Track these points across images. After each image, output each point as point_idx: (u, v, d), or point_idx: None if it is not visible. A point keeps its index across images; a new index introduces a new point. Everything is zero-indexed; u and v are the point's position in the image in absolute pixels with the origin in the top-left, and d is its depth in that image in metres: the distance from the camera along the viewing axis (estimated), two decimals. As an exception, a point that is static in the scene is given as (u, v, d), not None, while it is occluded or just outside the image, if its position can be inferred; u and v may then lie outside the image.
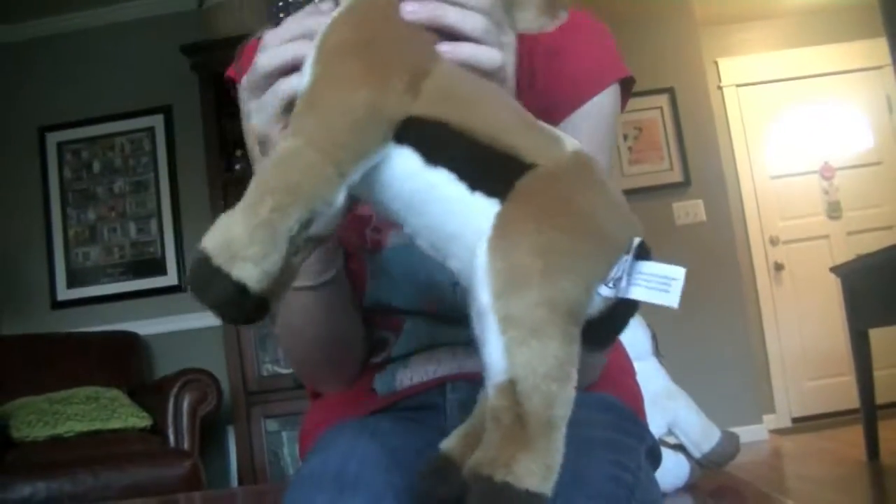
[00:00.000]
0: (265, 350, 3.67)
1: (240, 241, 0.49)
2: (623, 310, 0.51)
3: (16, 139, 4.25)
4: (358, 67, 0.51)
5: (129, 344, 3.86)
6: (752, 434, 4.09)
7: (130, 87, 4.23)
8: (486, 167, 0.50)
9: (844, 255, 4.62)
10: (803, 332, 4.99)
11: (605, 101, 0.84)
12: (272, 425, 3.66)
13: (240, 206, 0.50)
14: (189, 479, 3.04)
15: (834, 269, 3.71)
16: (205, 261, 0.49)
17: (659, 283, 0.49)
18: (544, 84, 0.83)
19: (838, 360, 4.81)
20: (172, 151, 4.22)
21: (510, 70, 0.61)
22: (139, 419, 3.30)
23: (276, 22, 0.65)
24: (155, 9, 4.30)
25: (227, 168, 3.77)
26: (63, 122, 4.23)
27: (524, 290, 0.47)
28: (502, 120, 0.52)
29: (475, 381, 0.84)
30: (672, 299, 0.48)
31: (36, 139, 4.25)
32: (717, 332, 4.24)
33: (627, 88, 0.88)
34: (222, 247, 0.49)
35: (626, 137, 4.42)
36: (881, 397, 3.52)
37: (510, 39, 0.62)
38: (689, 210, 4.35)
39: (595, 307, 0.50)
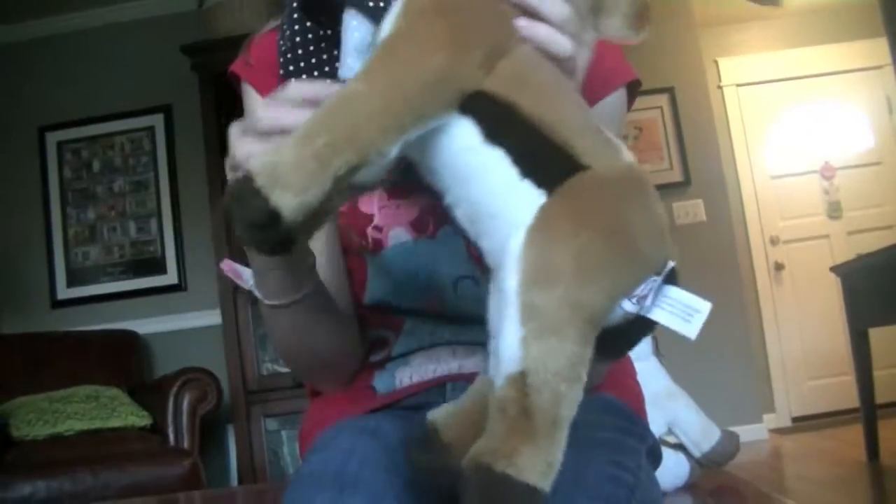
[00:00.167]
0: (265, 349, 3.67)
1: (285, 167, 0.49)
2: (640, 327, 0.51)
3: (16, 138, 4.25)
4: (441, 31, 0.52)
5: (129, 343, 3.86)
6: (752, 433, 4.09)
7: (130, 87, 4.23)
8: (542, 158, 0.51)
9: (845, 254, 4.62)
10: (803, 331, 4.99)
11: (612, 103, 0.85)
12: (272, 424, 3.66)
13: (294, 136, 0.50)
14: (189, 478, 3.04)
15: (834, 269, 3.71)
16: (247, 179, 0.49)
17: (682, 311, 0.49)
18: None
19: (838, 360, 4.81)
20: (172, 151, 4.22)
21: (581, 67, 0.62)
22: (139, 418, 3.30)
23: (287, 75, 0.67)
24: (155, 9, 4.30)
25: (227, 167, 3.76)
26: (63, 121, 4.23)
27: (552, 286, 0.48)
28: (568, 117, 0.53)
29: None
30: (691, 330, 0.49)
31: (36, 138, 4.25)
32: (718, 331, 4.24)
33: (633, 91, 0.88)
34: (268, 169, 0.49)
35: (626, 137, 4.41)
36: (881, 397, 3.52)
37: (590, 38, 0.62)
38: (689, 210, 4.35)
39: (614, 319, 0.50)
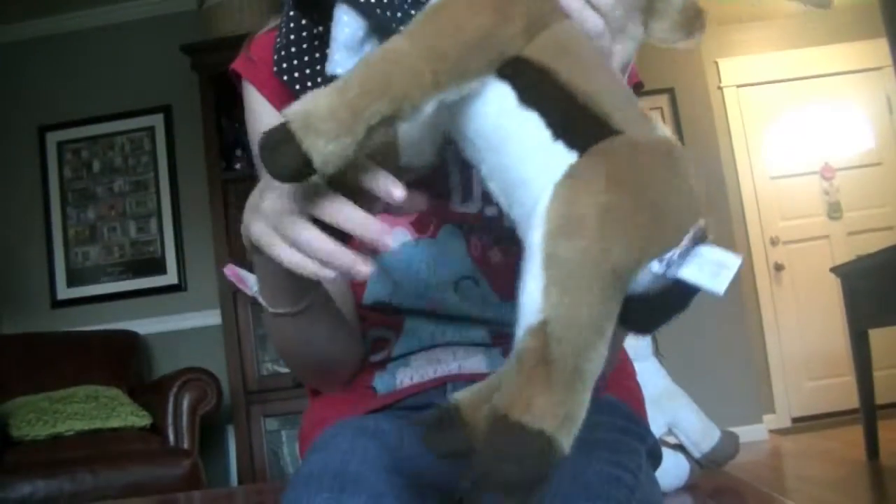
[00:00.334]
0: (265, 349, 3.67)
1: (319, 114, 0.50)
2: (674, 296, 0.50)
3: (16, 138, 4.25)
4: None
5: (129, 343, 3.86)
6: (752, 434, 4.09)
7: (130, 87, 4.23)
8: (575, 121, 0.51)
9: (845, 255, 4.63)
10: (803, 332, 5.00)
11: None
12: (272, 424, 3.66)
13: (332, 85, 0.51)
14: (189, 478, 3.04)
15: (834, 270, 3.71)
16: (283, 125, 0.50)
17: (711, 268, 0.48)
18: None
19: (838, 361, 4.81)
20: (172, 151, 4.22)
21: (623, 59, 0.62)
22: (139, 418, 3.30)
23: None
24: (155, 9, 4.30)
25: (227, 167, 3.77)
26: (63, 121, 4.23)
27: (576, 237, 0.47)
28: (605, 88, 0.53)
29: (476, 381, 0.85)
30: (719, 285, 0.48)
31: (36, 138, 4.25)
32: (718, 332, 4.24)
33: (636, 93, 0.88)
34: (302, 116, 0.50)
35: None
36: (881, 397, 3.53)
37: (637, 32, 0.62)
38: (689, 210, 4.35)
39: (644, 284, 0.49)
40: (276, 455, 3.67)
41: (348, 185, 0.57)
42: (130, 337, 3.89)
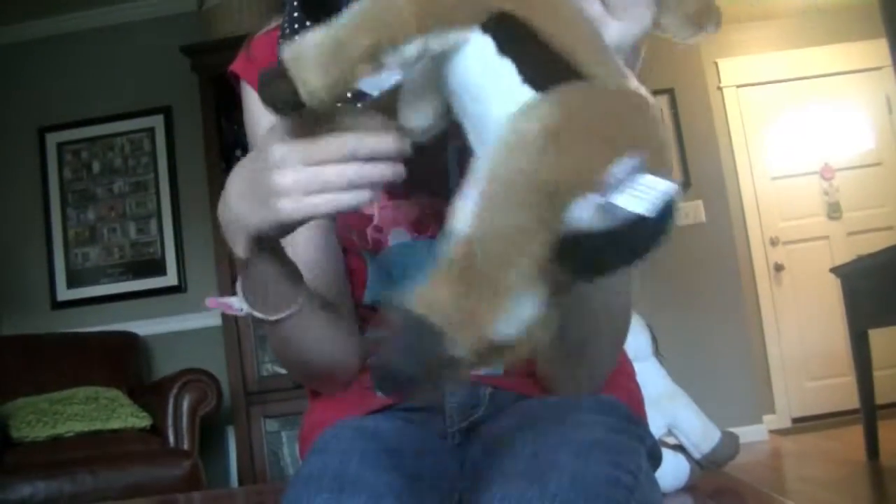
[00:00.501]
0: (265, 350, 3.67)
1: (308, 48, 0.54)
2: (620, 238, 0.49)
3: (16, 140, 4.25)
4: None
5: (129, 344, 3.86)
6: (752, 434, 4.09)
7: (130, 88, 4.23)
8: (544, 66, 0.52)
9: (844, 255, 4.62)
10: (803, 332, 4.99)
11: None
12: (272, 425, 3.66)
13: (324, 24, 0.55)
14: (189, 479, 3.04)
15: (834, 270, 3.71)
16: (279, 60, 0.54)
17: (644, 193, 0.48)
18: None
19: (838, 361, 4.81)
20: (172, 152, 4.22)
21: (626, 38, 0.61)
22: (139, 419, 3.30)
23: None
24: (155, 10, 4.30)
25: (227, 168, 3.75)
26: (63, 122, 4.23)
27: (515, 156, 0.48)
28: (583, 41, 0.54)
29: (475, 384, 0.85)
30: (650, 208, 0.47)
31: (36, 140, 4.25)
32: (718, 332, 4.24)
33: None
34: (294, 50, 0.54)
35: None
36: (881, 398, 3.52)
37: (642, 16, 0.61)
38: (689, 211, 4.35)
39: (587, 219, 0.48)
40: (277, 456, 3.67)
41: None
42: (130, 338, 3.88)
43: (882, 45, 3.87)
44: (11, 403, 3.25)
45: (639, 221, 0.48)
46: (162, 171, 4.21)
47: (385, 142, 0.59)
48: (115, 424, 3.23)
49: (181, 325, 4.04)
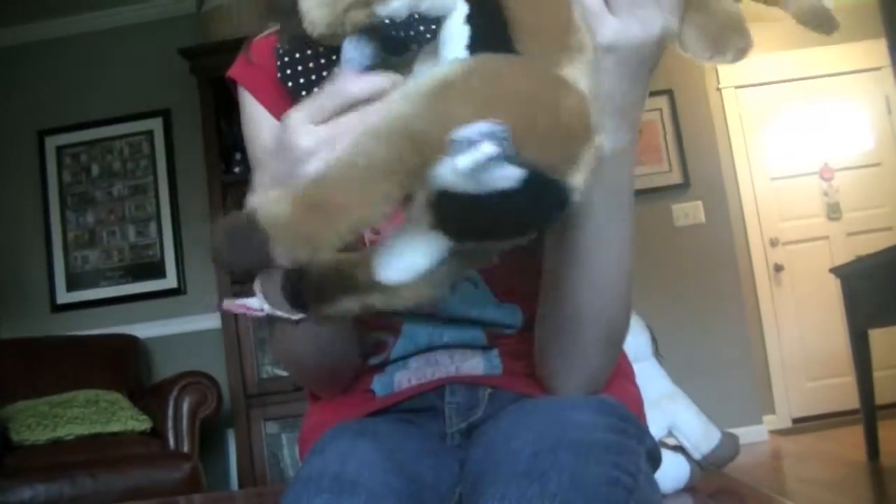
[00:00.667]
0: (264, 352, 3.67)
1: None
2: (484, 205, 0.49)
3: (15, 143, 4.25)
4: None
5: (129, 347, 3.86)
6: (752, 435, 4.09)
7: (129, 91, 4.23)
8: (487, 38, 0.55)
9: (844, 256, 4.62)
10: (803, 333, 4.99)
11: None
12: (272, 427, 3.66)
13: None
14: (189, 481, 3.04)
15: (834, 270, 3.71)
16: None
17: (480, 162, 0.48)
18: None
19: (838, 361, 4.81)
20: (171, 154, 4.22)
21: (613, 33, 0.63)
22: (139, 422, 3.29)
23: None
24: (154, 13, 4.30)
25: (226, 171, 3.77)
26: (62, 125, 4.23)
27: (403, 101, 0.52)
28: (542, 22, 0.56)
29: (473, 384, 0.85)
30: (476, 170, 0.48)
31: (35, 143, 4.25)
32: (718, 333, 4.24)
33: None
34: None
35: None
36: (881, 398, 3.53)
37: (646, 14, 0.62)
38: (689, 212, 4.35)
39: (451, 177, 0.49)
40: (277, 458, 3.67)
41: None
42: (130, 341, 3.88)
43: (881, 45, 3.87)
44: (11, 406, 3.25)
45: (503, 195, 0.49)
46: (161, 173, 4.21)
47: (372, 82, 0.60)
48: (114, 427, 3.23)
49: (181, 327, 4.04)
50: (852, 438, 3.72)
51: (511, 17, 0.55)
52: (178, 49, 3.77)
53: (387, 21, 0.60)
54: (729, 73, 5.16)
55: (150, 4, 4.30)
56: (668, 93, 4.41)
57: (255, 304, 0.76)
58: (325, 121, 0.60)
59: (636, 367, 0.99)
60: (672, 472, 1.80)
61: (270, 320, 0.77)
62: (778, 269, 5.05)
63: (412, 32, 0.60)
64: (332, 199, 0.51)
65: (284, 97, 0.82)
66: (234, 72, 0.89)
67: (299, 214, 0.51)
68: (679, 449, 2.04)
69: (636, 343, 2.14)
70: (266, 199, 0.52)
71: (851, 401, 3.80)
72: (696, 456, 2.04)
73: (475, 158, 0.47)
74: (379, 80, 0.59)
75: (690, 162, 4.39)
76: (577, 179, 0.51)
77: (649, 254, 4.06)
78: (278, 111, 0.85)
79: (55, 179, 4.23)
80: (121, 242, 4.19)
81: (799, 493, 3.03)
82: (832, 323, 4.78)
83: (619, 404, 0.81)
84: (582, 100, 0.53)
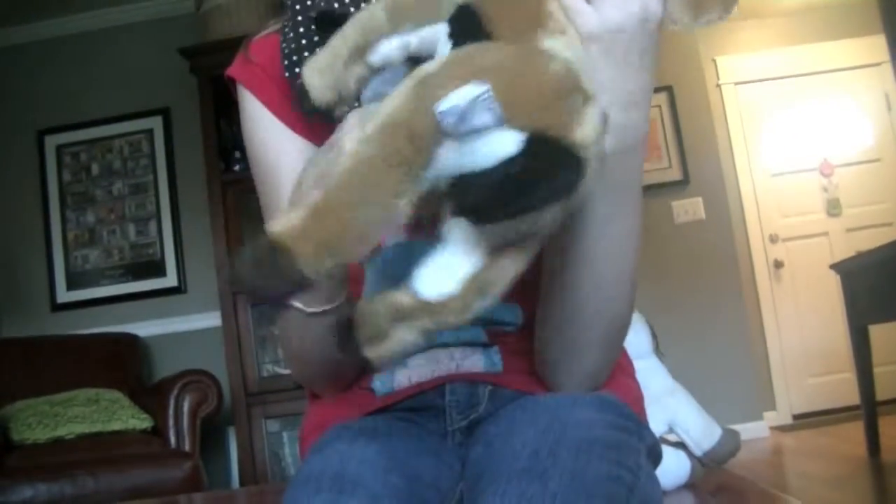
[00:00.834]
0: (265, 351, 3.67)
1: (314, 57, 0.65)
2: (494, 182, 0.50)
3: (15, 142, 4.25)
4: None
5: (129, 346, 3.86)
6: (753, 431, 4.09)
7: (129, 90, 4.23)
8: (468, 34, 0.56)
9: (844, 252, 4.62)
10: (803, 329, 5.00)
11: None
12: (273, 426, 3.66)
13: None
14: (190, 480, 3.04)
15: (834, 266, 3.71)
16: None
17: (471, 114, 0.50)
18: None
19: (838, 357, 4.81)
20: (171, 153, 4.22)
21: (607, 24, 0.63)
22: (140, 421, 3.30)
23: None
24: (153, 12, 4.30)
25: (226, 169, 3.77)
26: (62, 124, 4.23)
27: (391, 103, 0.53)
28: (517, 24, 0.57)
29: (474, 381, 0.85)
30: (471, 123, 0.49)
31: (35, 142, 4.25)
32: (718, 329, 4.24)
33: None
34: (311, 61, 0.65)
35: (624, 136, 4.41)
36: (881, 394, 3.53)
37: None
38: (689, 208, 4.35)
39: (452, 159, 0.51)
40: (278, 456, 3.67)
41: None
42: (130, 340, 3.89)
43: (881, 41, 3.87)
44: (12, 406, 3.25)
45: (510, 163, 0.49)
46: (161, 172, 4.21)
47: None
48: (115, 426, 3.23)
49: (181, 326, 4.04)
50: (853, 434, 3.72)
51: (488, 18, 0.56)
52: (178, 48, 3.77)
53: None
54: (728, 70, 5.16)
55: (150, 4, 4.30)
56: (668, 89, 4.41)
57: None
58: None
59: (637, 365, 0.99)
60: (673, 469, 1.80)
61: (282, 311, 0.77)
62: (778, 265, 5.05)
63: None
64: (343, 201, 0.52)
65: (284, 96, 0.82)
66: (233, 70, 0.89)
67: (314, 222, 0.52)
68: (680, 445, 2.04)
69: (637, 340, 2.14)
70: (281, 220, 0.53)
71: (852, 397, 3.80)
72: (697, 452, 2.04)
73: (458, 104, 0.49)
74: None
75: (690, 158, 4.39)
76: (581, 135, 0.51)
77: (649, 250, 4.06)
78: (278, 110, 0.85)
79: (55, 178, 4.23)
80: (121, 241, 4.19)
81: (800, 489, 3.03)
82: (832, 319, 4.78)
83: (620, 401, 0.81)
84: (567, 62, 0.53)
